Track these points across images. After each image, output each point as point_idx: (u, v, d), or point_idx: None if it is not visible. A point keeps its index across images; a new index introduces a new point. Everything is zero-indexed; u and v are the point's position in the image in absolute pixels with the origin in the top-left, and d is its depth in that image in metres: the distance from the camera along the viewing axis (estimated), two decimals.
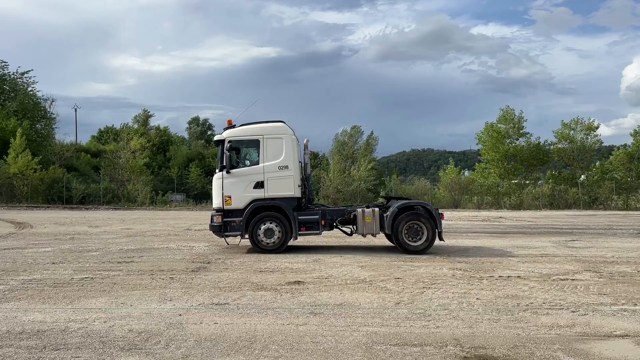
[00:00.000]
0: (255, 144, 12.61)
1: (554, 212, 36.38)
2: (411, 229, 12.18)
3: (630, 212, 35.67)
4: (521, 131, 45.76)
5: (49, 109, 50.27)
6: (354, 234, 13.08)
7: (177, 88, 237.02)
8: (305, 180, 13.16)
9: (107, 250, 12.78)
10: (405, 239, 12.13)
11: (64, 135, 62.12)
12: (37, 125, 48.01)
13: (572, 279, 8.73)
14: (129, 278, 8.95)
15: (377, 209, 12.60)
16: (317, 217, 12.54)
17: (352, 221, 12.74)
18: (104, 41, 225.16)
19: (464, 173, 52.83)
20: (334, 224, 12.90)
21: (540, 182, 45.33)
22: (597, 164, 45.79)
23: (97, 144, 57.89)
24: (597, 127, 45.70)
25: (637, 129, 45.35)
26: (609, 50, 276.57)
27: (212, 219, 12.59)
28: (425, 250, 12.09)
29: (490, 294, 7.61)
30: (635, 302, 7.03)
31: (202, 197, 44.36)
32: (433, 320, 6.12)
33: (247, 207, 12.25)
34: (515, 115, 45.70)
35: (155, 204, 40.94)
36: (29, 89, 48.82)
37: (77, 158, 49.81)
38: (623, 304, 6.94)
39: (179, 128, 76.87)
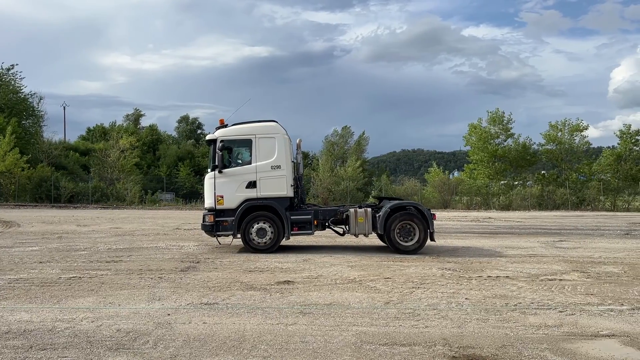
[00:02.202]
0: (247, 143, 12.54)
1: (542, 212, 36.65)
2: (403, 229, 12.19)
3: (618, 213, 36.03)
4: (509, 132, 46.21)
5: (37, 107, 49.82)
6: (346, 234, 13.07)
7: (169, 87, 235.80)
8: (297, 180, 13.14)
9: (96, 250, 12.68)
10: (397, 239, 12.14)
11: (52, 133, 61.51)
12: (24, 123, 47.51)
13: (560, 279, 8.80)
14: (117, 277, 8.89)
15: (369, 209, 12.59)
16: (310, 217, 12.51)
17: (345, 221, 12.72)
18: (95, 39, 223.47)
19: (453, 173, 53.12)
20: (326, 224, 12.88)
21: (529, 182, 45.72)
22: (583, 164, 46.22)
23: (86, 143, 57.46)
24: (586, 128, 46.30)
25: (623, 129, 45.84)
26: (598, 52, 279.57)
27: (204, 218, 12.52)
28: (417, 250, 12.10)
29: (479, 293, 7.65)
30: (622, 302, 7.10)
31: (192, 196, 44.17)
32: (422, 320, 6.14)
33: (239, 206, 12.19)
34: (504, 117, 46.18)
35: (145, 203, 40.70)
36: (16, 84, 48.20)
37: (65, 156, 49.39)
38: (610, 304, 7.00)
39: (170, 127, 76.38)
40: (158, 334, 5.52)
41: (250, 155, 12.45)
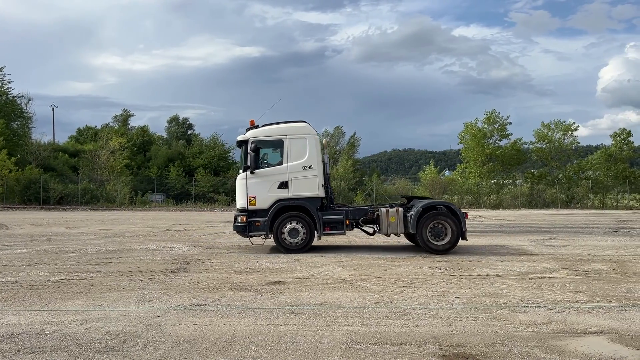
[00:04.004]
0: (278, 144, 12.57)
1: (532, 211, 36.89)
2: (435, 228, 12.07)
3: (607, 211, 36.34)
4: (503, 133, 46.59)
5: (25, 108, 49.40)
6: (376, 234, 13.06)
7: (159, 87, 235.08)
8: (326, 180, 13.09)
9: (85, 252, 12.58)
10: (429, 238, 12.02)
11: (40, 134, 61.12)
12: (13, 124, 47.08)
13: (549, 277, 8.85)
14: (106, 279, 8.83)
15: (400, 209, 12.52)
16: (342, 217, 12.48)
17: (375, 221, 12.67)
18: (85, 40, 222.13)
19: (444, 173, 53.39)
20: (357, 223, 12.82)
21: (519, 181, 46.09)
22: (573, 163, 46.68)
23: (75, 144, 57.03)
24: (576, 129, 46.87)
25: (617, 132, 46.54)
26: (586, 52, 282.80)
27: (235, 219, 12.56)
28: (450, 249, 11.98)
29: (469, 292, 7.67)
30: (610, 299, 7.15)
31: (182, 197, 43.98)
32: (412, 319, 6.15)
33: (271, 207, 12.22)
34: (500, 117, 46.63)
35: (135, 204, 40.49)
36: (4, 86, 47.73)
37: (54, 158, 49.01)
38: (598, 301, 7.05)
39: (161, 128, 75.89)
40: (148, 336, 5.48)
41: (282, 156, 12.47)
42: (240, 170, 12.76)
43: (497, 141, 46.63)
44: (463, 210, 12.65)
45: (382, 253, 12.12)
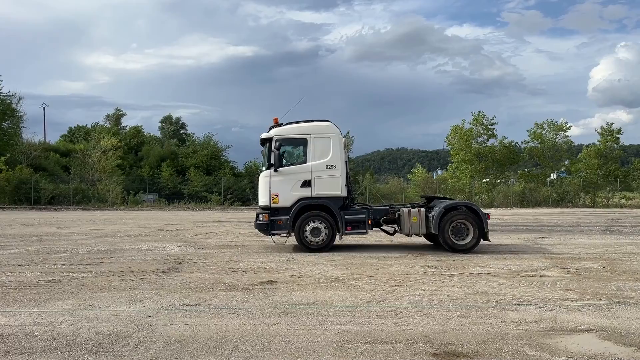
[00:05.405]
0: (302, 142, 12.54)
1: (524, 209, 37.07)
2: (456, 228, 12.07)
3: (597, 210, 36.59)
4: (490, 132, 46.88)
5: (16, 107, 48.99)
6: (396, 234, 13.07)
7: (152, 87, 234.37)
8: (348, 180, 13.05)
9: (76, 252, 12.51)
10: (451, 238, 12.03)
11: (31, 134, 60.61)
12: (3, 124, 46.71)
13: (540, 275, 8.91)
14: (97, 280, 8.78)
15: (422, 209, 12.51)
16: (364, 216, 12.48)
17: (396, 220, 12.68)
18: (77, 39, 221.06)
19: (436, 172, 53.60)
20: (376, 223, 12.80)
21: (511, 180, 46.37)
22: (566, 162, 47.01)
23: (66, 143, 56.66)
24: (569, 128, 47.27)
25: (603, 127, 46.78)
26: (578, 52, 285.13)
27: (257, 217, 12.55)
28: (472, 248, 12.00)
29: (460, 290, 7.70)
30: (600, 297, 7.20)
31: (175, 197, 43.81)
32: (404, 318, 6.16)
33: (293, 205, 12.20)
34: (486, 118, 46.96)
35: (127, 204, 40.31)
36: None
37: (45, 157, 48.70)
38: (588, 299, 7.10)
39: (154, 127, 75.47)
40: (139, 336, 5.46)
41: (305, 155, 12.46)
42: (263, 168, 12.77)
43: (485, 141, 47.06)
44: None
45: (374, 252, 12.13)
